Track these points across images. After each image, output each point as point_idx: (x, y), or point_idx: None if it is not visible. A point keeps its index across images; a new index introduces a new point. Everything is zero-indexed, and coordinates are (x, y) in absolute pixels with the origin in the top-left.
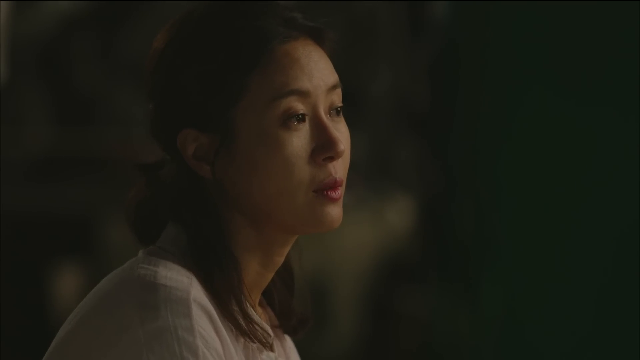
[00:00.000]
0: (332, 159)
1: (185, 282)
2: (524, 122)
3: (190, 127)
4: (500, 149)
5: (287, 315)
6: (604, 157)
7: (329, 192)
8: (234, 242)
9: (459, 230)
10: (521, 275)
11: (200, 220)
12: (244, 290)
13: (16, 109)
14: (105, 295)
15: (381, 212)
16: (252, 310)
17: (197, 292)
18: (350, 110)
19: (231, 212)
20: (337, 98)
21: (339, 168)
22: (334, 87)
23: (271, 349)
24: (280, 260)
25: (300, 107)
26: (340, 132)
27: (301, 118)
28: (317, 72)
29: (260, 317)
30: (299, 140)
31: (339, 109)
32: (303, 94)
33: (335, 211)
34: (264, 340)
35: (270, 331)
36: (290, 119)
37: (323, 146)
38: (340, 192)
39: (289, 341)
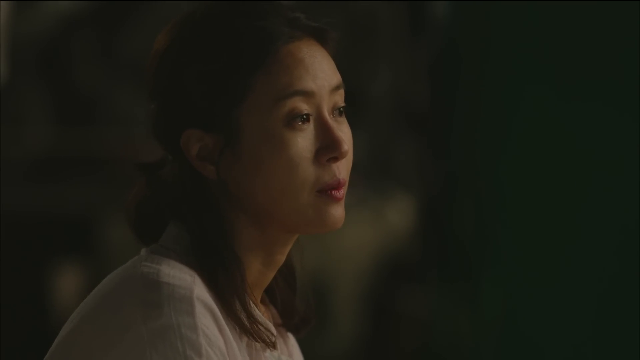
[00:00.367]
0: (336, 159)
1: (188, 280)
2: (524, 122)
3: (194, 127)
4: (500, 149)
5: (289, 313)
6: (605, 157)
7: (332, 192)
8: (237, 241)
9: (459, 230)
10: (521, 275)
11: (203, 220)
12: (247, 290)
13: (16, 108)
14: (108, 293)
15: (381, 212)
16: (256, 309)
17: (200, 290)
18: (350, 110)
19: (234, 211)
20: (340, 98)
21: (343, 169)
22: (337, 88)
23: (274, 347)
24: (282, 259)
25: (304, 107)
26: (344, 132)
27: (305, 118)
28: (321, 72)
29: (263, 316)
30: (303, 140)
31: (341, 109)
32: (307, 95)
33: (338, 211)
34: (267, 339)
35: (273, 330)
36: (295, 119)
37: (327, 147)
38: (343, 193)
39: (291, 339)
